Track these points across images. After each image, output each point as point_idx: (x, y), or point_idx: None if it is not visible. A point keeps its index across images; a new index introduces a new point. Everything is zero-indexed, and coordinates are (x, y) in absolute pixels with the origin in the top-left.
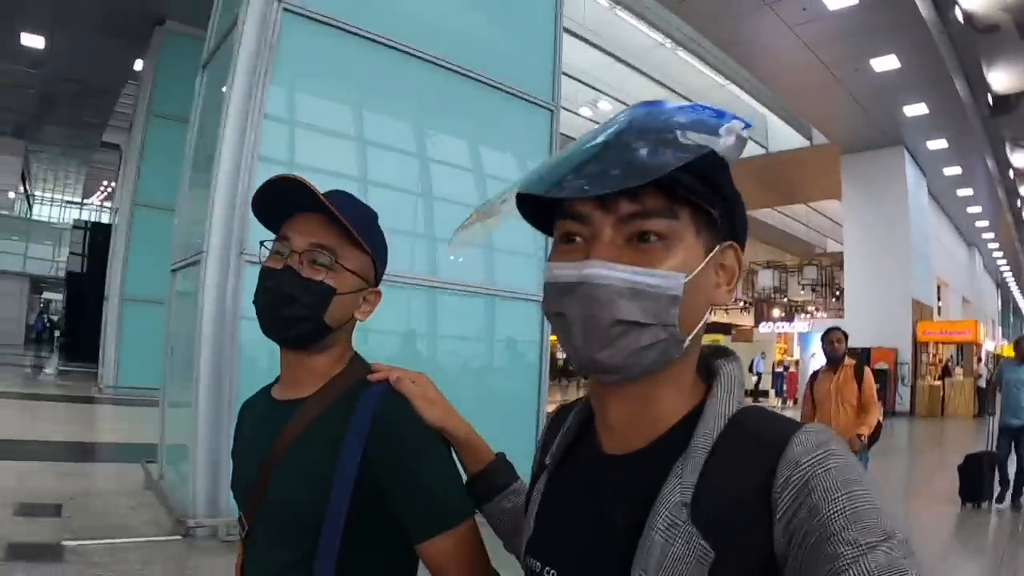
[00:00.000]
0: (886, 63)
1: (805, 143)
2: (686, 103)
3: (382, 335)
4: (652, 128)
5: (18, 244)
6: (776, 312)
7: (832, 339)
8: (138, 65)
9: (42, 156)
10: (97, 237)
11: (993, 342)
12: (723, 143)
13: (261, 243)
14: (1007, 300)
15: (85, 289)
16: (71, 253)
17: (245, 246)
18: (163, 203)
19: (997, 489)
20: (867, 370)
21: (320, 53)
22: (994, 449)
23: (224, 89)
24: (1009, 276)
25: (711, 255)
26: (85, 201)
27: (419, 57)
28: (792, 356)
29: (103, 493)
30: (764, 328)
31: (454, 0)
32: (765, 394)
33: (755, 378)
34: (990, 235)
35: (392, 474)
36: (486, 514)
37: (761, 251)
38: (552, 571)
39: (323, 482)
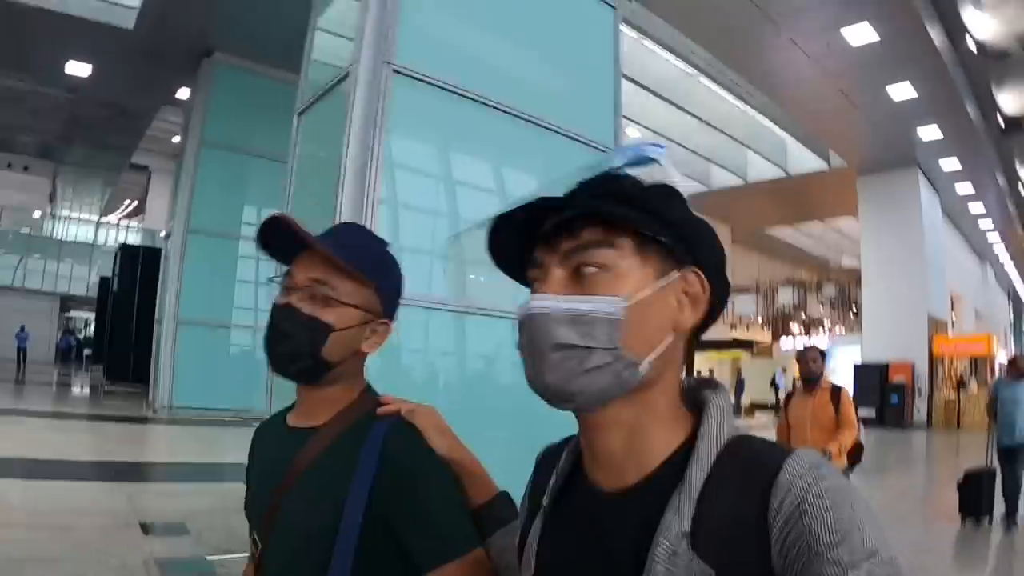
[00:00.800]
0: (902, 91)
1: (823, 165)
2: (623, 147)
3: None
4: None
5: (50, 264)
6: (795, 328)
7: (809, 358)
8: (182, 93)
9: (67, 176)
10: (144, 260)
11: (1006, 353)
12: (618, 164)
13: (270, 279)
14: (1019, 311)
15: (126, 310)
16: (117, 274)
17: None
18: (216, 229)
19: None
20: (845, 392)
21: (415, 104)
22: (993, 465)
23: (336, 135)
24: (1021, 287)
25: (664, 281)
26: (103, 220)
27: (496, 108)
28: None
29: (220, 510)
30: (785, 344)
31: (525, 55)
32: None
33: (775, 391)
34: (1001, 248)
35: (402, 502)
36: (485, 547)
37: (779, 269)
38: None
39: (334, 509)
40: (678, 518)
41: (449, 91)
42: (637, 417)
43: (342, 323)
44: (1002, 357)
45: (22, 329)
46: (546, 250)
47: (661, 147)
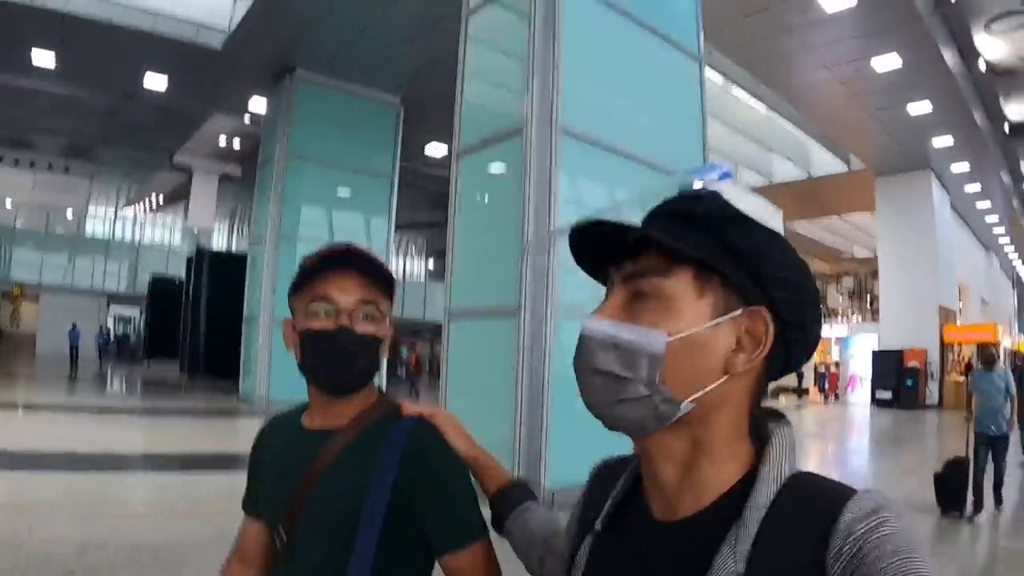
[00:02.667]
0: (920, 107)
1: (843, 167)
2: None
3: None
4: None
5: (98, 263)
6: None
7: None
8: (255, 105)
9: (106, 176)
10: (220, 264)
11: (1011, 339)
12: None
13: (291, 306)
14: (1023, 297)
15: (206, 310)
16: (192, 277)
17: (556, 302)
18: (305, 235)
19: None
20: None
21: (575, 156)
22: (971, 456)
23: (502, 181)
24: None
25: (721, 319)
26: (142, 217)
27: (617, 152)
28: (832, 358)
29: None
30: None
31: (633, 104)
32: (807, 391)
33: (797, 376)
34: (1006, 239)
35: (423, 493)
36: (506, 529)
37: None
38: None
39: (358, 502)
40: (734, 557)
41: (594, 144)
42: (689, 451)
43: (384, 334)
44: (1007, 343)
45: (74, 327)
46: (613, 268)
47: (728, 172)
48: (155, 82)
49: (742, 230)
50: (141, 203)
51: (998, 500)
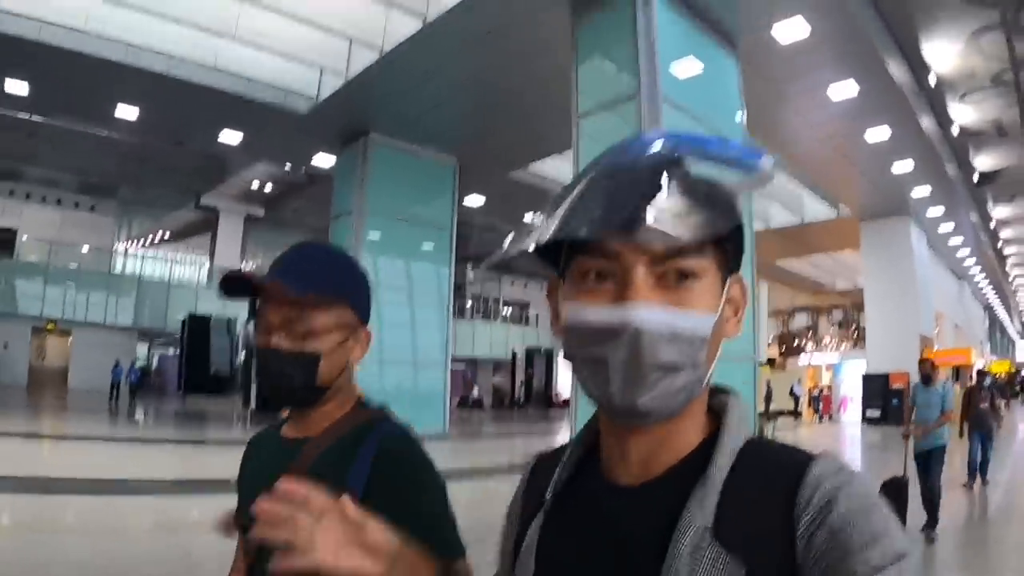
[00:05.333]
0: (903, 165)
1: (832, 213)
2: (715, 137)
3: None
4: (706, 169)
5: (128, 299)
6: (809, 346)
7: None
8: (319, 160)
9: (132, 215)
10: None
11: (982, 359)
12: (754, 180)
13: (247, 323)
14: (994, 320)
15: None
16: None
17: None
18: (377, 281)
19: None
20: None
21: None
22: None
23: None
24: (995, 301)
25: (725, 290)
26: (173, 256)
27: None
28: (823, 382)
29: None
30: (802, 360)
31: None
32: (800, 414)
33: (793, 399)
34: (976, 269)
35: (393, 503)
36: None
37: (782, 292)
38: None
39: None
40: (702, 510)
41: None
42: (679, 423)
43: (327, 348)
44: (979, 364)
45: (117, 364)
46: (629, 246)
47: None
48: (230, 138)
49: (737, 205)
50: (164, 240)
51: (933, 522)
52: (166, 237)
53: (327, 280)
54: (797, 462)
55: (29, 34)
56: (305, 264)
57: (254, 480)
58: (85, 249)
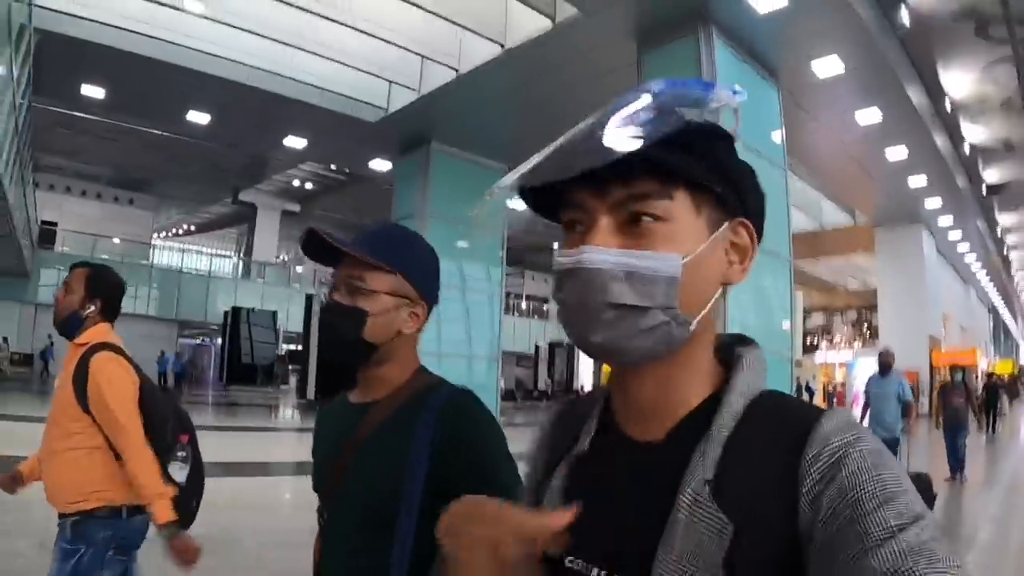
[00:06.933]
0: (918, 180)
1: (849, 220)
2: (672, 79)
3: None
4: (629, 105)
5: (169, 291)
6: (823, 344)
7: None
8: (376, 164)
9: (170, 210)
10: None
11: (987, 360)
12: (709, 114)
13: (322, 283)
14: (998, 322)
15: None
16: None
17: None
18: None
19: None
20: None
21: None
22: None
23: None
24: (1000, 304)
25: (716, 234)
26: (213, 251)
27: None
28: (837, 379)
29: None
30: (818, 357)
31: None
32: None
33: (807, 396)
34: (982, 273)
35: (458, 458)
36: None
37: (811, 296)
38: (601, 571)
39: (397, 471)
40: (703, 464)
41: None
42: (674, 369)
43: (376, 309)
44: (984, 364)
45: (163, 354)
46: (591, 194)
47: (740, 91)
48: (295, 143)
49: (723, 147)
50: (191, 232)
51: None
52: (191, 229)
53: (387, 250)
54: (805, 418)
55: (108, 41)
56: (374, 235)
57: (324, 446)
58: (116, 240)
